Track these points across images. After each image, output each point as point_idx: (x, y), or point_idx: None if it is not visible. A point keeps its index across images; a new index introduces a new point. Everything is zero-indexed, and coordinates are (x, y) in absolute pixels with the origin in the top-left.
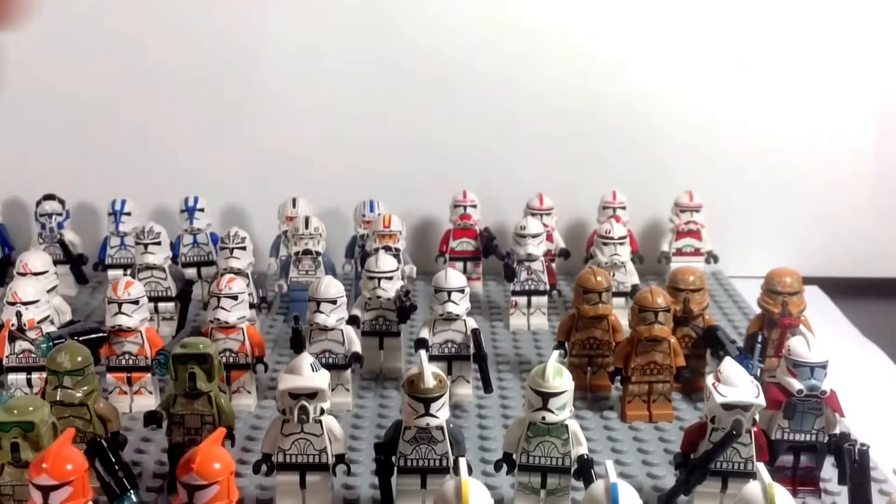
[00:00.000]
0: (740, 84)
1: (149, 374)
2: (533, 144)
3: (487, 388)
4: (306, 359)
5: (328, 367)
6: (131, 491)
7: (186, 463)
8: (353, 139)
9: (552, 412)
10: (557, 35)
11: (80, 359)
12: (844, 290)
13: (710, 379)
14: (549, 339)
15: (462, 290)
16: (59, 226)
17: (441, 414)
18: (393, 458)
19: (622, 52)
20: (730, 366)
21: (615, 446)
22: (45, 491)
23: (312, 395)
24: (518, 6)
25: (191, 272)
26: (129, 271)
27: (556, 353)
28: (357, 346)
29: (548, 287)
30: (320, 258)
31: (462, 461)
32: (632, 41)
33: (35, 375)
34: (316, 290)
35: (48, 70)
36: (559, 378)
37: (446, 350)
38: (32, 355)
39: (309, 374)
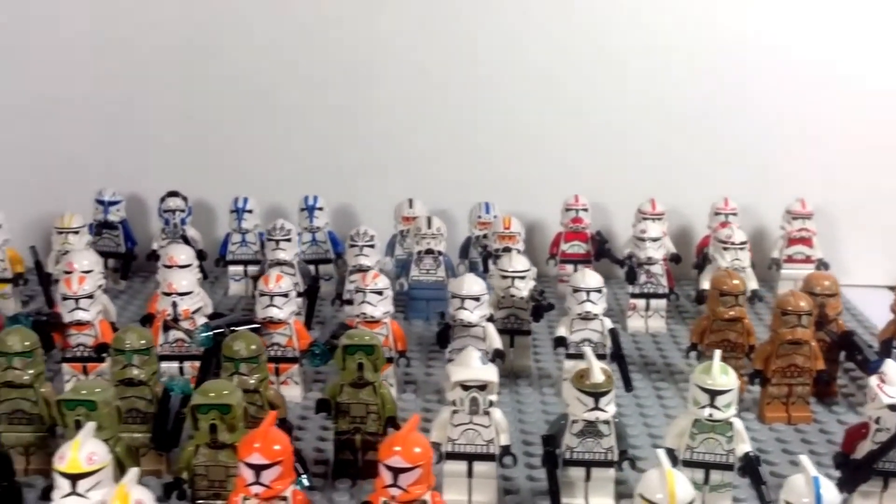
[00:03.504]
0: (852, 89)
1: (296, 366)
2: (636, 150)
3: (628, 386)
4: (475, 352)
5: None
6: (304, 475)
7: (389, 447)
8: (464, 142)
9: (719, 409)
10: (671, 39)
11: (254, 347)
12: None
13: (873, 380)
14: (668, 342)
15: (600, 291)
16: (182, 222)
17: (609, 408)
18: (557, 451)
19: (735, 57)
20: (894, 367)
21: (759, 446)
22: (258, 469)
23: (483, 386)
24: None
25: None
26: (259, 267)
27: (717, 352)
28: (498, 343)
29: (667, 290)
30: (441, 257)
31: (661, 452)
32: (747, 45)
33: (187, 364)
34: (460, 287)
35: (168, 72)
36: (725, 376)
37: (582, 349)
38: (185, 344)
39: (480, 366)
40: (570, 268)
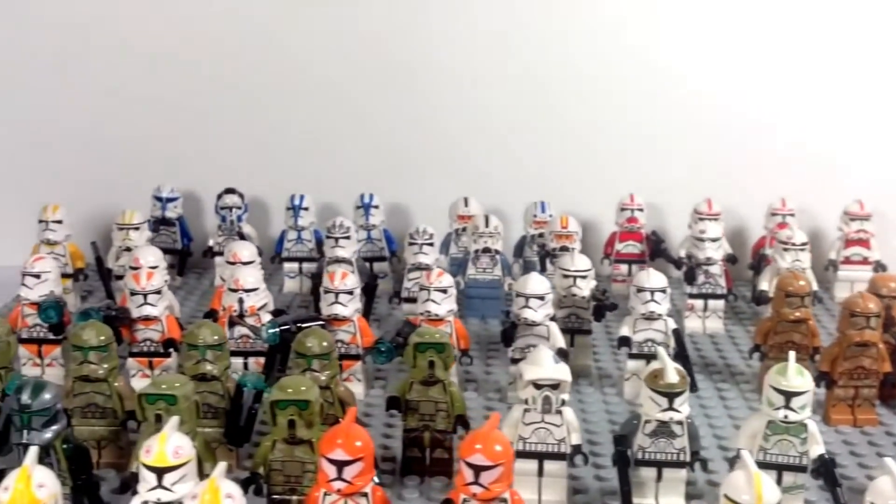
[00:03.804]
0: None
1: (359, 363)
2: (691, 150)
3: (693, 387)
4: (547, 350)
5: None
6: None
7: (470, 445)
8: (519, 141)
9: (794, 411)
10: (726, 39)
11: (325, 343)
12: None
13: None
14: (727, 343)
15: (664, 291)
16: (239, 219)
17: (683, 409)
18: (629, 451)
19: (791, 57)
20: None
21: (825, 449)
22: (340, 465)
23: (555, 385)
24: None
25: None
26: (317, 264)
27: (792, 353)
28: (562, 342)
29: (725, 291)
30: (497, 256)
31: (746, 453)
32: (804, 44)
33: (251, 360)
34: (525, 286)
35: (226, 70)
36: (801, 377)
37: (646, 349)
38: (250, 340)
39: (552, 365)
40: (624, 267)
